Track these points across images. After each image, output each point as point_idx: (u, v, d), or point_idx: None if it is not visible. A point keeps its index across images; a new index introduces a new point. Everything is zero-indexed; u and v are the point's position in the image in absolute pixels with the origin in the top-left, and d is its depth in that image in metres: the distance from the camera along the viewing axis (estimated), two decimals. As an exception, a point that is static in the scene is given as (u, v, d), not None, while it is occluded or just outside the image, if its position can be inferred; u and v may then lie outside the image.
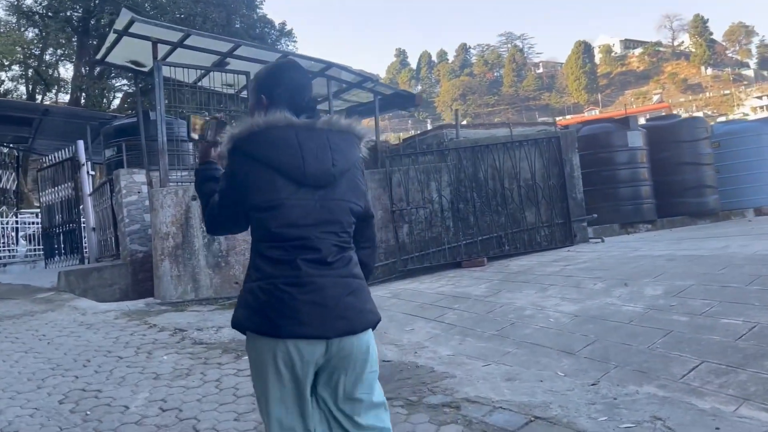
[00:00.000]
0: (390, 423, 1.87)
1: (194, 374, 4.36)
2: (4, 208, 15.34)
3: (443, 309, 5.68)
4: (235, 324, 1.77)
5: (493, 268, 7.24)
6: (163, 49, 7.81)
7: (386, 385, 3.88)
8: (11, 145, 15.50)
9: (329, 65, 8.71)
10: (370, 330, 1.81)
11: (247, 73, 8.36)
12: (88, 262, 11.26)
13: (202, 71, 8.41)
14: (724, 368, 3.34)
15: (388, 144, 10.06)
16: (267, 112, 1.77)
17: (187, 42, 7.69)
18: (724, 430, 2.74)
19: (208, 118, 2.01)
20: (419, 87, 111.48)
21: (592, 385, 3.49)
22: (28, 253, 14.99)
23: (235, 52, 8.10)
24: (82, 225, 11.64)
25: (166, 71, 7.77)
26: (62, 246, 12.02)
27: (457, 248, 7.68)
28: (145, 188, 8.45)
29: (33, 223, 15.92)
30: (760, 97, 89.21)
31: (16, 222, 15.44)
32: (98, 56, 8.67)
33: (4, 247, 14.50)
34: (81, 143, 11.61)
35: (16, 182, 15.88)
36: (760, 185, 12.41)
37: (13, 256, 14.52)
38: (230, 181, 1.78)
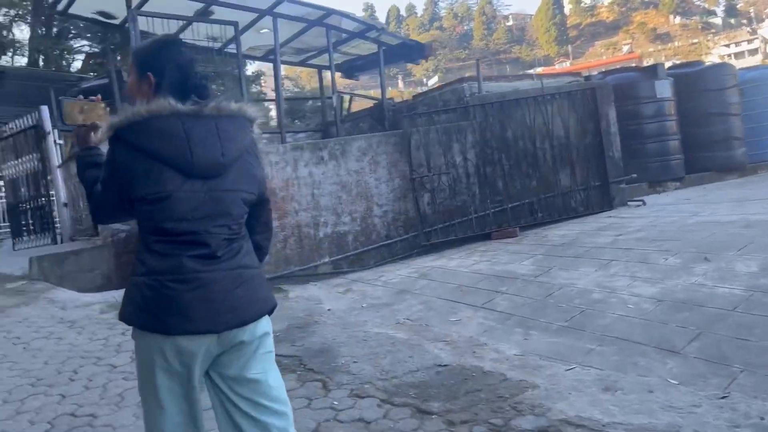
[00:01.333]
0: (289, 405, 1.89)
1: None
2: (-38, 182, 14.23)
3: (489, 293, 5.01)
4: (123, 319, 1.75)
5: (529, 240, 6.58)
6: (137, -4, 6.84)
7: (454, 402, 3.22)
8: (-35, 113, 14.29)
9: (329, 12, 7.81)
10: (265, 317, 1.83)
11: (235, 24, 7.44)
12: (61, 241, 10.40)
13: (184, 22, 7.45)
14: None
15: (393, 102, 9.22)
16: (153, 93, 1.74)
17: (166, -14, 6.74)
18: None
19: (83, 102, 1.93)
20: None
21: (723, 398, 2.85)
22: (-8, 230, 13.97)
23: (221, -1, 7.16)
24: (52, 200, 10.71)
25: (142, 23, 6.83)
26: (31, 223, 11.08)
27: (485, 217, 6.99)
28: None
29: (-5, 197, 14.87)
30: (727, 45, 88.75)
31: (-23, 197, 14.37)
32: (59, 7, 7.65)
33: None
34: (45, 109, 10.56)
35: (-26, 154, 14.71)
36: (786, 136, 11.85)
37: (-24, 235, 13.51)
38: (112, 171, 1.73)
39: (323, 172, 6.60)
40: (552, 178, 7.20)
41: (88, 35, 23.49)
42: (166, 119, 1.68)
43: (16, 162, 11.27)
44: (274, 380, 1.85)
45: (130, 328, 1.75)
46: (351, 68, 10.21)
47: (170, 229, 1.69)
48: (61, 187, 10.40)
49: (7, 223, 13.36)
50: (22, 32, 25.82)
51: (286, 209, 6.47)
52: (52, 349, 4.68)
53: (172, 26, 7.59)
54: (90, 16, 7.82)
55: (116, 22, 7.95)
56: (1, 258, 9.51)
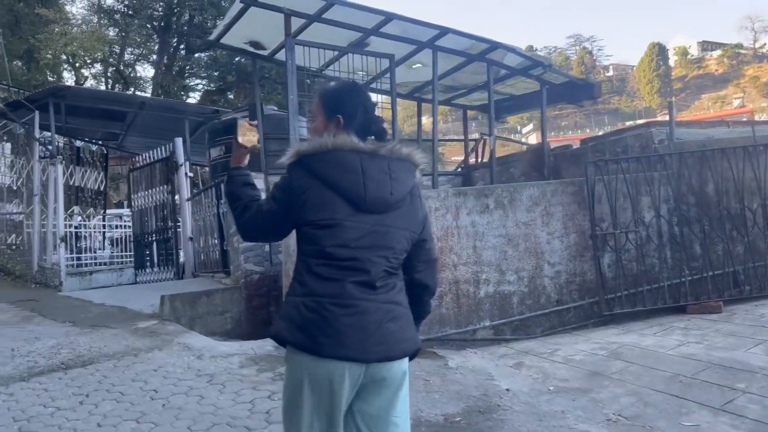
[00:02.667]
0: None
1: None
2: (90, 210, 14.75)
3: (722, 390, 4.02)
4: (275, 336, 1.85)
5: (741, 318, 5.50)
6: (294, 24, 6.52)
7: None
8: (100, 142, 14.90)
9: (494, 46, 7.19)
10: (407, 358, 1.89)
11: (391, 57, 6.98)
12: (183, 276, 10.29)
13: (337, 53, 7.08)
14: None
15: (549, 148, 8.40)
16: (338, 133, 1.87)
17: (327, 14, 6.37)
18: None
19: (249, 124, 2.10)
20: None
21: None
22: (114, 259, 14.29)
23: (381, 29, 6.71)
24: (179, 233, 10.67)
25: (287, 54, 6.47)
26: (155, 256, 11.10)
27: (679, 286, 5.97)
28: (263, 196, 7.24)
29: (118, 225, 15.31)
30: None
31: (103, 225, 14.83)
32: (212, 36, 7.53)
33: (90, 251, 13.81)
34: (179, 141, 10.66)
35: (104, 183, 15.28)
36: None
37: (100, 263, 13.83)
38: (286, 194, 1.85)
39: (488, 222, 5.88)
40: (762, 244, 6.09)
41: (204, 75, 24.92)
42: (348, 153, 1.82)
43: (145, 193, 11.42)
44: (407, 424, 1.93)
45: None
46: (498, 109, 9.52)
47: (335, 254, 1.78)
48: (188, 221, 10.33)
49: (130, 253, 13.62)
50: (144, 70, 27.90)
51: (444, 262, 5.78)
52: (194, 409, 4.16)
53: (322, 58, 7.25)
54: (240, 46, 7.62)
55: (265, 53, 7.72)
56: (128, 291, 9.44)
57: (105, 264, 13.85)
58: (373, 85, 7.73)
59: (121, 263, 14.02)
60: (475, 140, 9.73)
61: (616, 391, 4.29)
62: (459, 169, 9.78)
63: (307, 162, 1.82)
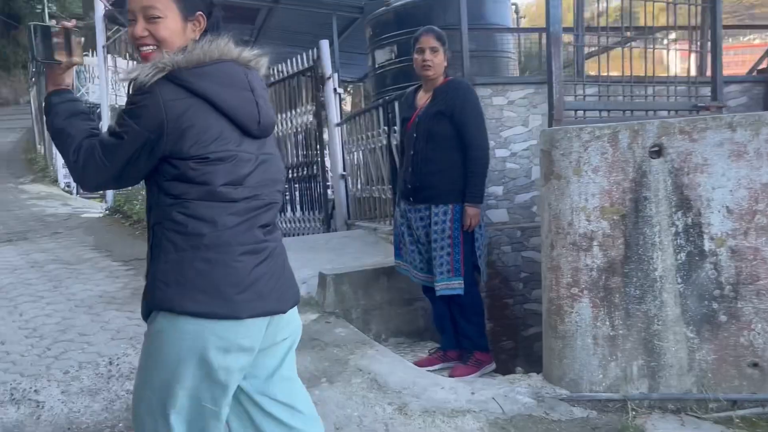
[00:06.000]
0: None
1: None
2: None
3: None
4: (170, 307, 1.46)
5: None
6: None
7: None
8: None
9: None
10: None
11: None
12: (332, 224, 8.24)
13: None
14: None
15: None
16: (213, 38, 1.51)
17: None
18: None
19: (63, 30, 1.56)
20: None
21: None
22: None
23: None
24: (326, 169, 8.53)
25: None
26: (295, 197, 9.07)
27: None
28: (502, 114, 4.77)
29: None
30: None
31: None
32: None
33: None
34: (326, 44, 8.29)
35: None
36: None
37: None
38: (153, 120, 1.43)
39: None
40: None
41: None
42: (231, 65, 1.52)
43: (282, 116, 9.27)
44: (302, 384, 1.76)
45: None
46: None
47: (231, 194, 1.50)
48: (339, 152, 8.17)
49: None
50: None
51: (752, 272, 2.99)
52: None
53: None
54: None
55: None
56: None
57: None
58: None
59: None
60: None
61: None
62: (755, 73, 6.67)
63: (185, 77, 1.44)
